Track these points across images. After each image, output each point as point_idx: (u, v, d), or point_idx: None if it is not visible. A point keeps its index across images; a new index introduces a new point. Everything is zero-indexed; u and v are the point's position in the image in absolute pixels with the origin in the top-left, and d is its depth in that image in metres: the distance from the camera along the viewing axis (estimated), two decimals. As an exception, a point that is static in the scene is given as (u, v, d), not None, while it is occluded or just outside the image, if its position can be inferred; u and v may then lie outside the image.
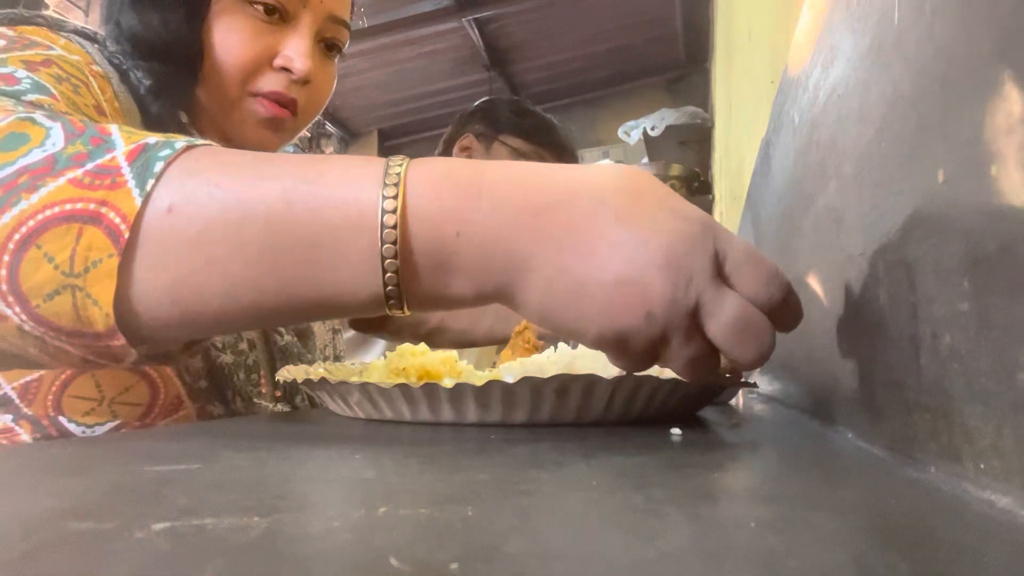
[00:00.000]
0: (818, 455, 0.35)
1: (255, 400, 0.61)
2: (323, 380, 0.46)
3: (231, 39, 0.60)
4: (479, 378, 0.43)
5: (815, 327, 0.49)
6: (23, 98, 0.43)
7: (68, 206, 0.32)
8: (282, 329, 0.66)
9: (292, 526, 0.18)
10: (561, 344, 0.53)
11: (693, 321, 0.32)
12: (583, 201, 0.32)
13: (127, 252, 0.33)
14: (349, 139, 5.08)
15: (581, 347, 0.50)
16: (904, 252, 0.30)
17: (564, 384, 0.41)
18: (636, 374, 0.42)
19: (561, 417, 0.42)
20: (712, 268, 0.32)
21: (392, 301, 0.34)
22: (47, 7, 2.66)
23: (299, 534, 0.18)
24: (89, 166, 0.33)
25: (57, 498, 0.22)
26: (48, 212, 0.32)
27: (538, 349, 0.62)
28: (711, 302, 0.31)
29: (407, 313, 0.35)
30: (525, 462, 0.30)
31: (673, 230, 0.31)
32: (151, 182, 0.33)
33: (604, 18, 3.75)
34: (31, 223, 0.32)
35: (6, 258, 0.32)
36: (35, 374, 0.51)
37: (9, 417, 0.51)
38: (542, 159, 1.30)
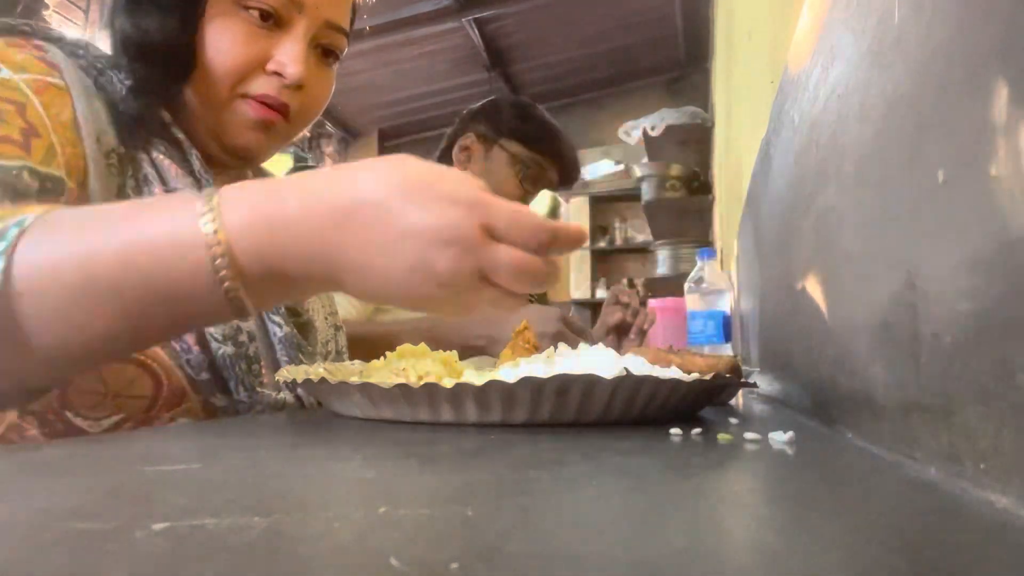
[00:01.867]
0: (818, 455, 0.35)
1: (258, 390, 0.61)
2: (323, 380, 0.46)
3: (224, 42, 0.60)
4: (479, 378, 0.43)
5: (815, 327, 0.49)
6: None
7: None
8: (280, 320, 0.66)
9: (292, 526, 0.18)
10: (561, 344, 0.53)
11: (480, 279, 0.40)
12: (369, 209, 0.39)
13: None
14: (349, 139, 5.09)
15: (581, 347, 0.50)
16: (904, 252, 0.30)
17: (564, 384, 0.41)
18: (636, 374, 0.42)
19: (561, 417, 0.42)
20: (481, 236, 0.39)
21: (239, 308, 0.40)
22: (47, 7, 2.67)
23: (299, 534, 0.18)
24: None
25: (57, 498, 0.22)
26: None
27: (538, 349, 0.62)
28: (488, 261, 0.39)
29: (257, 310, 0.42)
30: (525, 462, 0.30)
31: (443, 215, 0.38)
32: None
33: (604, 18, 3.75)
34: None
35: None
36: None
37: (15, 413, 0.51)
38: (541, 168, 1.30)
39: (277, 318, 0.65)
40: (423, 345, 0.55)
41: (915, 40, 0.29)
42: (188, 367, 0.56)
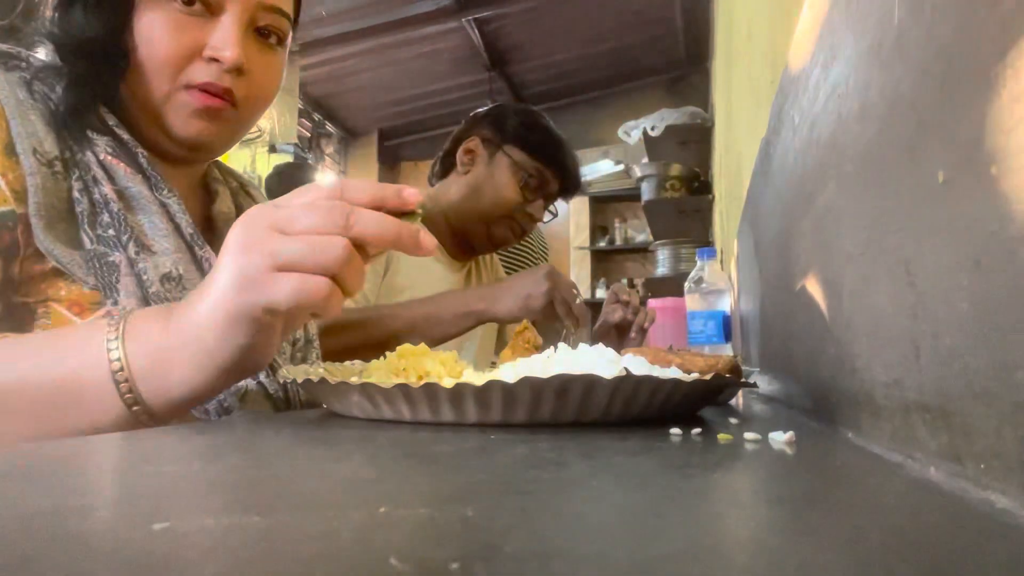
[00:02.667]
0: (818, 455, 0.35)
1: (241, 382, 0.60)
2: (323, 380, 0.46)
3: (155, 34, 0.60)
4: (479, 378, 0.43)
5: (815, 327, 0.49)
6: None
7: None
8: None
9: (292, 526, 0.18)
10: (561, 344, 0.53)
11: (269, 271, 0.44)
12: (204, 293, 0.46)
13: None
14: (349, 139, 5.09)
15: (581, 346, 0.50)
16: (904, 252, 0.30)
17: (564, 384, 0.41)
18: (636, 374, 0.42)
19: (561, 417, 0.42)
20: (263, 231, 0.44)
21: (136, 408, 0.46)
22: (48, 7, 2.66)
23: (299, 534, 0.18)
24: None
25: (57, 498, 0.22)
26: None
27: (538, 349, 0.62)
28: (273, 250, 0.43)
29: (157, 418, 0.48)
30: (525, 462, 0.30)
31: (235, 241, 0.45)
32: None
33: (604, 18, 3.75)
34: None
35: None
36: None
37: None
38: (543, 177, 1.30)
39: None
40: (423, 345, 0.55)
41: (915, 40, 0.29)
42: None
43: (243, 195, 0.80)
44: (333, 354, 0.81)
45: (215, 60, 0.61)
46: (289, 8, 0.67)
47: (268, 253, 0.43)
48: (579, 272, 4.64)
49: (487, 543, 0.17)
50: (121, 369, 0.45)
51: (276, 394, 0.66)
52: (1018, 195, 0.20)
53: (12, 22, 0.61)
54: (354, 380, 0.45)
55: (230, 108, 0.64)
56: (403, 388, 0.42)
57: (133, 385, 0.46)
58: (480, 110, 1.40)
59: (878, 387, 0.34)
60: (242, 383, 0.62)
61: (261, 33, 0.65)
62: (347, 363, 0.61)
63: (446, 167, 1.37)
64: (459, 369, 0.53)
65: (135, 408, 0.46)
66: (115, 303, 0.55)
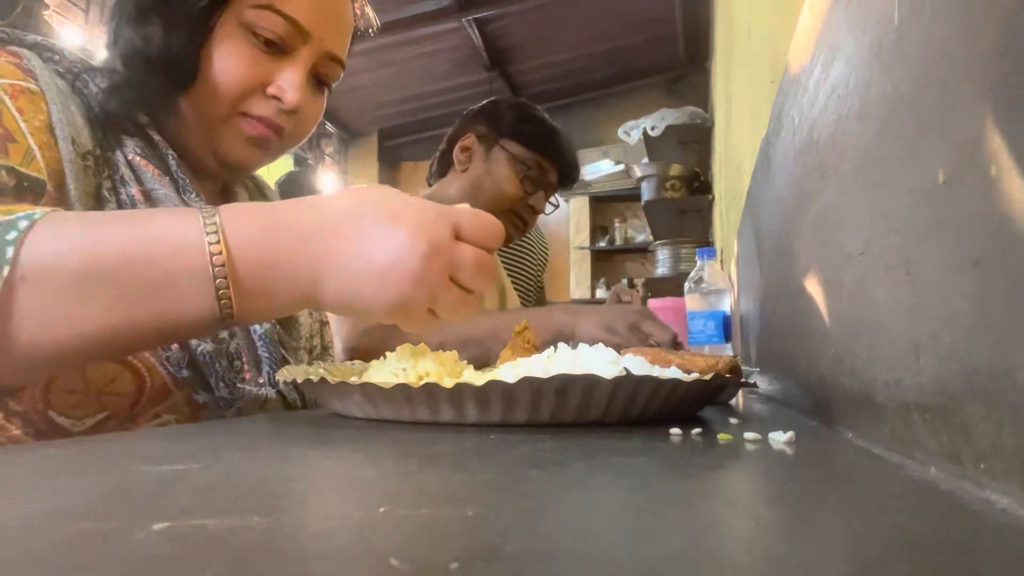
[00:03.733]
0: (818, 455, 0.35)
1: (239, 386, 0.61)
2: (323, 380, 0.46)
3: (229, 63, 0.62)
4: (479, 378, 0.43)
5: (815, 327, 0.49)
6: None
7: None
8: None
9: (292, 526, 0.18)
10: (561, 344, 0.53)
11: (447, 278, 0.45)
12: (349, 222, 0.45)
13: None
14: (349, 139, 5.09)
15: (581, 347, 0.50)
16: (904, 252, 0.30)
17: (564, 384, 0.41)
18: (636, 374, 0.42)
19: (561, 417, 0.42)
20: (450, 236, 0.45)
21: (227, 315, 0.44)
22: (47, 7, 2.67)
23: (299, 534, 0.18)
24: None
25: (57, 498, 0.22)
26: None
27: (538, 349, 0.62)
28: (457, 257, 0.45)
29: (235, 326, 0.46)
30: (525, 462, 0.30)
31: (417, 221, 0.44)
32: (7, 269, 0.40)
33: (604, 18, 3.75)
34: None
35: None
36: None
37: (0, 415, 0.51)
38: (541, 168, 1.30)
39: None
40: (423, 345, 0.55)
41: (915, 40, 0.29)
42: (169, 364, 0.57)
43: (259, 196, 0.82)
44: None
45: (276, 98, 0.64)
46: (345, 57, 0.71)
47: (435, 295, 0.45)
48: (579, 272, 4.64)
49: (487, 543, 0.17)
50: (225, 281, 0.43)
51: (295, 404, 0.67)
52: (1018, 195, 0.20)
53: (12, 22, 0.62)
54: (354, 380, 0.45)
55: (277, 139, 0.67)
56: (403, 388, 0.42)
57: (233, 293, 0.43)
58: (474, 107, 1.40)
59: (878, 387, 0.34)
60: (264, 391, 0.63)
61: (317, 78, 0.68)
62: (347, 363, 0.61)
63: (444, 166, 1.37)
64: (459, 369, 0.53)
65: (226, 314, 0.44)
66: None
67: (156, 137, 0.63)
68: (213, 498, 0.22)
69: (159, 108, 0.64)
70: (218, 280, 0.43)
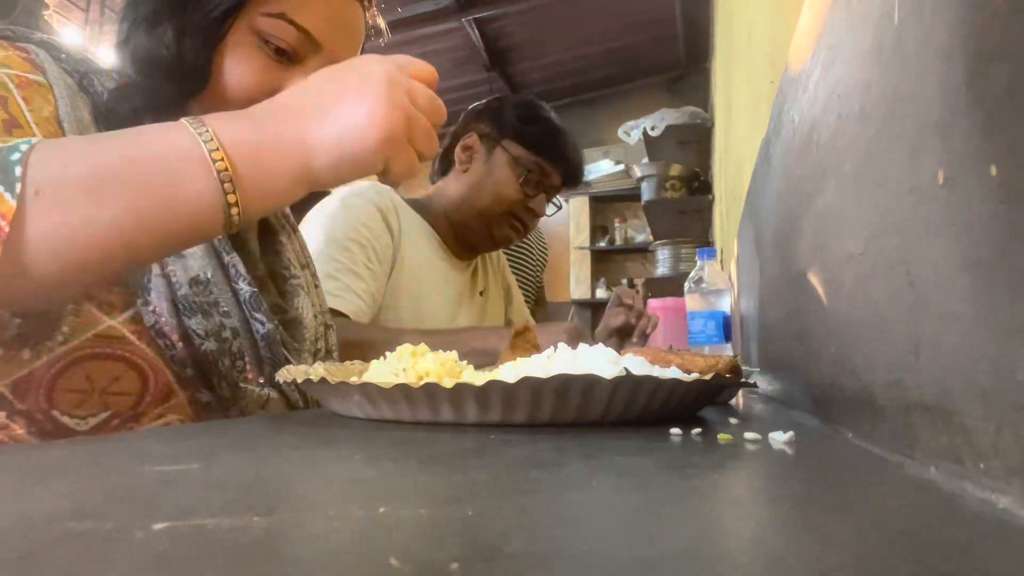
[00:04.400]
0: (818, 455, 0.35)
1: (241, 385, 0.61)
2: (323, 380, 0.46)
3: (240, 70, 0.62)
4: (479, 378, 0.43)
5: (815, 327, 0.49)
6: None
7: None
8: (262, 317, 0.66)
9: (292, 526, 0.18)
10: (561, 344, 0.53)
11: (410, 104, 0.50)
12: (311, 87, 0.50)
13: (11, 238, 0.40)
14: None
15: (582, 346, 0.50)
16: (904, 252, 0.30)
17: (564, 384, 0.41)
18: (636, 374, 0.42)
19: (561, 417, 0.42)
20: (399, 70, 0.50)
21: (233, 209, 0.46)
22: (47, 7, 2.67)
23: (299, 534, 0.18)
24: None
25: (57, 498, 0.22)
26: None
27: (538, 349, 0.62)
28: (411, 88, 0.50)
29: (241, 222, 0.47)
30: (525, 462, 0.30)
31: (365, 62, 0.51)
32: (18, 185, 0.41)
33: (604, 18, 3.75)
34: None
35: None
36: (25, 370, 0.51)
37: (3, 414, 0.51)
38: (543, 171, 1.28)
39: (260, 315, 0.65)
40: (423, 345, 0.55)
41: (915, 40, 0.29)
42: (173, 363, 0.57)
43: None
44: None
45: None
46: None
47: (407, 119, 0.49)
48: (579, 272, 4.63)
49: (487, 543, 0.17)
50: (224, 163, 0.45)
51: (297, 404, 0.67)
52: (1018, 195, 0.20)
53: (13, 22, 0.62)
54: (354, 380, 0.45)
55: None
56: (403, 388, 0.42)
57: (235, 179, 0.45)
58: (477, 104, 1.37)
59: (878, 387, 0.34)
60: (265, 391, 0.63)
61: None
62: (347, 363, 0.61)
63: (446, 165, 1.36)
64: (459, 369, 0.53)
65: (232, 208, 0.45)
66: (144, 303, 0.56)
67: None
68: (213, 498, 0.22)
69: (168, 113, 0.63)
70: (216, 164, 0.45)
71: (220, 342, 0.60)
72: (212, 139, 0.45)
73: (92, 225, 0.42)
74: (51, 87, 0.56)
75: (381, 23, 0.76)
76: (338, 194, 1.19)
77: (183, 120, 0.46)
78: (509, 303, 1.49)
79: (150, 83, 0.61)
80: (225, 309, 0.62)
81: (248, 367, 0.62)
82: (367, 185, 1.24)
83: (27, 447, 0.45)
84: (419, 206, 1.30)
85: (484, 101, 1.38)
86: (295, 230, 0.88)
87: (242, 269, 0.64)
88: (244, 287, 0.63)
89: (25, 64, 0.56)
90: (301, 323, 0.75)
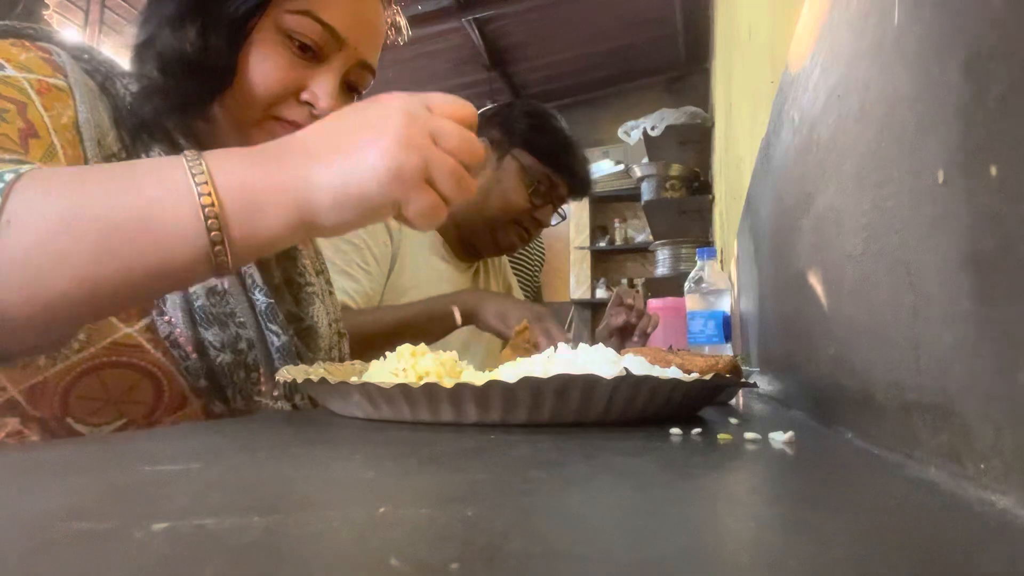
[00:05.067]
0: (818, 455, 0.35)
1: (255, 398, 0.61)
2: (323, 380, 0.46)
3: (265, 68, 0.61)
4: (479, 378, 0.43)
5: (815, 327, 0.49)
6: None
7: None
8: (278, 328, 0.66)
9: (292, 526, 0.18)
10: (561, 344, 0.53)
11: (432, 142, 0.45)
12: (323, 124, 0.47)
13: None
14: (349, 139, 5.08)
15: (582, 346, 0.50)
16: (904, 252, 0.30)
17: (564, 384, 0.41)
18: (636, 374, 0.42)
19: (561, 417, 0.42)
20: (423, 107, 0.46)
21: (218, 249, 0.42)
22: (47, 7, 2.67)
23: (299, 534, 0.18)
24: None
25: (57, 498, 0.22)
26: None
27: (538, 349, 0.62)
28: (435, 127, 0.46)
29: (230, 265, 0.43)
30: (525, 462, 0.30)
31: (387, 101, 0.46)
32: None
33: (604, 18, 3.75)
34: None
35: None
36: (40, 376, 0.51)
37: (17, 420, 0.51)
38: (551, 183, 1.28)
39: (275, 327, 0.65)
40: (423, 345, 0.55)
41: (915, 40, 0.29)
42: (188, 374, 0.56)
43: None
44: None
45: (308, 103, 0.63)
46: (376, 65, 0.70)
47: (426, 160, 0.44)
48: (579, 272, 4.63)
49: (487, 543, 0.17)
50: (210, 198, 0.42)
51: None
52: (1018, 195, 0.20)
53: (13, 21, 0.62)
54: (354, 380, 0.45)
55: None
56: (403, 388, 0.42)
57: (222, 218, 0.42)
58: (489, 108, 1.37)
59: (878, 387, 0.34)
60: (279, 404, 0.63)
61: (348, 85, 0.68)
62: (347, 363, 0.61)
63: None
64: (459, 370, 0.53)
65: (217, 248, 0.42)
66: (160, 313, 0.56)
67: (181, 141, 0.63)
68: (213, 498, 0.22)
69: (194, 113, 0.63)
70: (202, 198, 0.41)
71: (235, 353, 0.60)
72: (204, 174, 0.42)
73: (63, 263, 0.40)
74: (71, 91, 0.56)
75: (401, 20, 0.76)
76: None
77: (183, 154, 0.44)
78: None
79: (176, 82, 0.60)
80: (241, 320, 0.61)
81: (262, 379, 0.62)
82: None
83: (27, 446, 0.45)
84: None
85: (495, 105, 1.38)
86: None
87: (259, 279, 0.64)
88: (260, 297, 0.63)
89: (46, 67, 0.56)
90: (316, 332, 0.74)
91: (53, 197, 0.41)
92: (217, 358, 0.58)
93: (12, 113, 0.51)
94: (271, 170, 0.44)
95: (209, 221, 0.41)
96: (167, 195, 0.42)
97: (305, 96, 0.63)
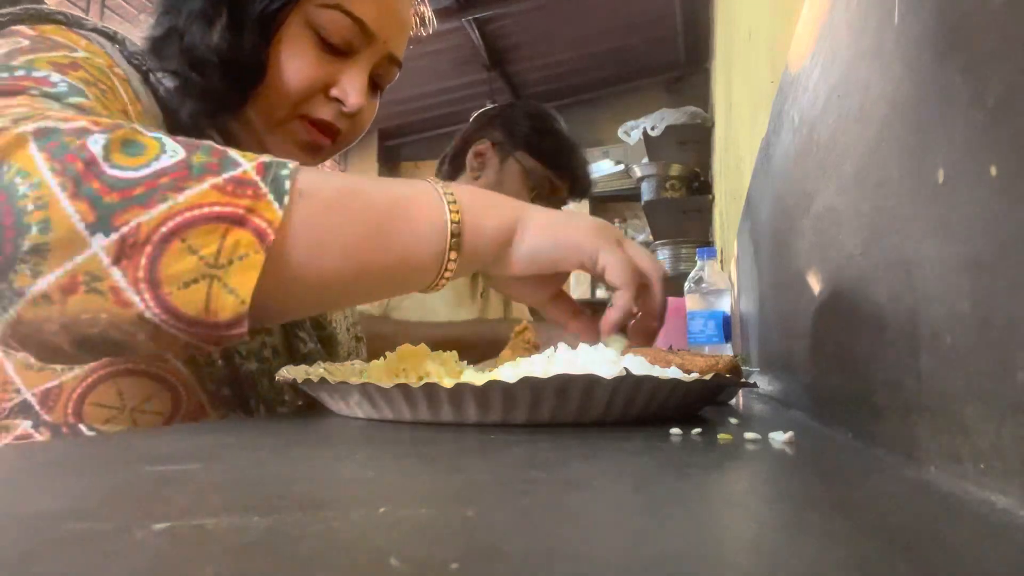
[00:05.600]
0: (818, 455, 0.35)
1: (278, 408, 0.60)
2: (323, 380, 0.46)
3: (294, 64, 0.60)
4: (479, 378, 0.43)
5: (815, 327, 0.49)
6: (65, 100, 0.45)
7: (217, 208, 0.38)
8: (305, 336, 0.65)
9: (292, 526, 0.18)
10: (561, 344, 0.53)
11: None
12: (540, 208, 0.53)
13: (272, 249, 0.39)
14: (349, 139, 5.07)
15: (582, 346, 0.50)
16: (904, 252, 0.30)
17: (564, 384, 0.41)
18: (636, 374, 0.42)
19: (561, 417, 0.42)
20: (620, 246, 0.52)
21: (452, 254, 0.47)
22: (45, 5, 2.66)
23: (299, 534, 0.18)
24: (226, 175, 0.39)
25: (57, 498, 0.22)
26: (196, 211, 0.38)
27: (538, 349, 0.62)
28: (629, 250, 0.52)
29: (454, 266, 0.47)
30: (525, 462, 0.30)
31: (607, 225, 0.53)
32: (286, 197, 0.40)
33: (604, 18, 3.75)
34: (178, 219, 0.37)
35: (148, 248, 0.37)
36: (55, 380, 0.50)
37: (29, 423, 0.50)
38: (552, 185, 1.28)
39: (303, 333, 0.64)
40: (423, 345, 0.55)
41: (915, 40, 0.29)
42: (210, 382, 0.55)
43: None
44: None
45: (337, 100, 0.63)
46: (402, 58, 0.70)
47: (619, 242, 0.51)
48: (579, 272, 4.63)
49: (487, 543, 0.17)
50: (456, 206, 0.47)
51: None
52: (1018, 195, 0.20)
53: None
54: (354, 380, 0.45)
55: (330, 145, 0.66)
56: (403, 388, 0.42)
57: (460, 206, 0.47)
58: (490, 108, 1.37)
59: (878, 387, 0.34)
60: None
61: (373, 79, 0.67)
62: (347, 363, 0.61)
63: (455, 169, 1.35)
64: (459, 370, 0.53)
65: (454, 239, 0.46)
66: None
67: (215, 136, 0.62)
68: (213, 498, 0.22)
69: (229, 112, 0.62)
70: (449, 205, 0.46)
71: (261, 362, 0.59)
72: (451, 193, 0.47)
73: (336, 240, 0.43)
74: (128, 80, 0.55)
75: (426, 11, 0.75)
76: None
77: (429, 179, 0.49)
78: (508, 304, 1.49)
79: (209, 81, 0.59)
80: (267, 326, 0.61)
81: (286, 389, 0.61)
82: None
83: (27, 446, 0.45)
84: None
85: (497, 106, 1.38)
86: None
87: None
88: None
89: (103, 54, 0.54)
90: (336, 339, 0.73)
91: (334, 178, 0.46)
92: (243, 366, 0.57)
93: (110, 93, 0.50)
94: (498, 198, 0.50)
95: (452, 226, 0.46)
96: (420, 194, 0.47)
97: (334, 92, 0.63)
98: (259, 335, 0.59)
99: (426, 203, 0.46)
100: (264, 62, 0.60)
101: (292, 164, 0.43)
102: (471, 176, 1.30)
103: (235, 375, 0.57)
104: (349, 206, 0.44)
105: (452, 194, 0.47)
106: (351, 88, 0.62)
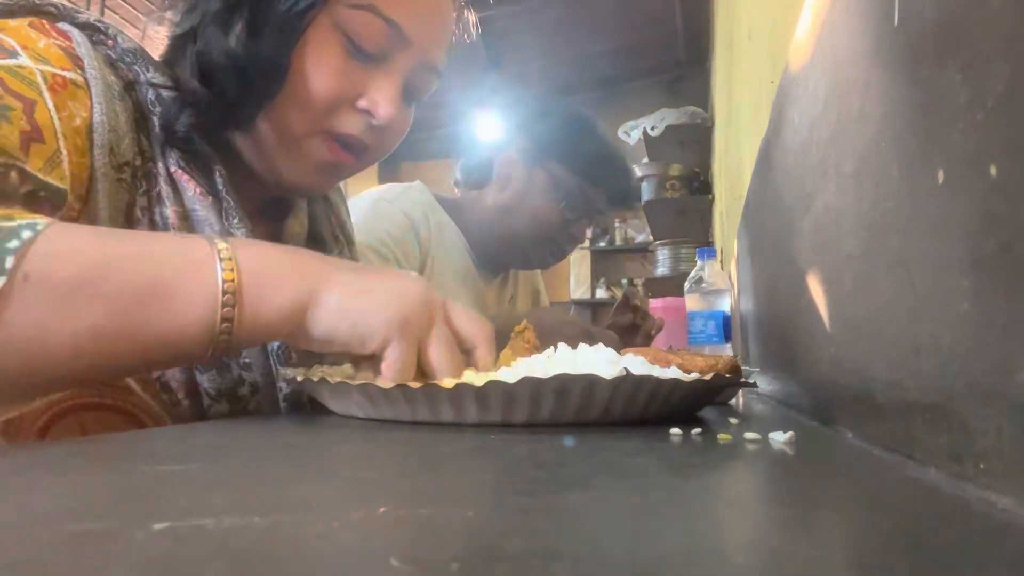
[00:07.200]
0: (818, 455, 0.35)
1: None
2: (323, 380, 0.46)
3: (320, 72, 0.54)
4: (479, 378, 0.43)
5: (815, 327, 0.49)
6: None
7: None
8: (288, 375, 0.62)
9: (292, 526, 0.18)
10: (561, 344, 0.53)
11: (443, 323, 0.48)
12: (352, 265, 0.50)
13: None
14: (349, 139, 5.07)
15: (582, 346, 0.50)
16: (904, 252, 0.30)
17: (564, 384, 0.41)
18: (636, 374, 0.42)
19: (561, 417, 0.42)
20: (441, 305, 0.49)
21: (224, 327, 0.42)
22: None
23: (299, 534, 0.18)
24: None
25: (57, 498, 0.22)
26: None
27: (538, 349, 0.62)
28: (440, 323, 0.48)
29: (226, 342, 0.42)
30: (525, 462, 0.30)
31: (420, 284, 0.48)
32: (3, 280, 0.36)
33: (604, 18, 3.75)
34: None
35: None
36: (16, 413, 0.47)
37: None
38: (585, 196, 1.14)
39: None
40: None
41: (915, 40, 0.29)
42: (179, 420, 0.52)
43: (322, 202, 0.74)
44: None
45: (366, 112, 0.57)
46: (440, 67, 0.63)
47: (416, 344, 0.46)
48: (579, 272, 4.63)
49: (487, 543, 0.17)
50: (232, 273, 0.42)
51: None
52: (1018, 195, 0.20)
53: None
54: (354, 380, 0.45)
55: (353, 164, 0.60)
56: (403, 388, 0.42)
57: (240, 280, 0.42)
58: (517, 103, 1.24)
59: (878, 387, 0.34)
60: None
61: (407, 89, 0.61)
62: (347, 364, 0.61)
63: (482, 175, 1.21)
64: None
65: (223, 325, 0.41)
66: None
67: (206, 148, 0.56)
68: (213, 498, 0.22)
69: (238, 125, 0.56)
70: (225, 284, 0.41)
71: (233, 402, 0.54)
72: (229, 254, 0.42)
73: (69, 323, 0.38)
74: (88, 88, 0.50)
75: (472, 17, 0.68)
76: (370, 196, 1.12)
77: (207, 236, 0.44)
78: (536, 307, 1.47)
79: (218, 89, 0.54)
80: (247, 360, 0.56)
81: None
82: (401, 189, 1.15)
83: (26, 447, 0.45)
84: (452, 209, 1.19)
85: (529, 104, 1.24)
86: (351, 244, 0.78)
87: None
88: None
89: (64, 59, 0.49)
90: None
91: (82, 255, 0.40)
92: (211, 407, 0.53)
93: (18, 113, 0.45)
94: (288, 270, 0.45)
95: (225, 296, 0.41)
96: (189, 268, 0.42)
97: (363, 103, 0.56)
98: (234, 369, 0.55)
99: (196, 279, 0.41)
100: (286, 68, 0.54)
101: (28, 234, 0.38)
102: (496, 186, 1.18)
103: (202, 416, 0.53)
104: (90, 292, 0.38)
105: (233, 260, 0.42)
106: (381, 98, 0.56)
